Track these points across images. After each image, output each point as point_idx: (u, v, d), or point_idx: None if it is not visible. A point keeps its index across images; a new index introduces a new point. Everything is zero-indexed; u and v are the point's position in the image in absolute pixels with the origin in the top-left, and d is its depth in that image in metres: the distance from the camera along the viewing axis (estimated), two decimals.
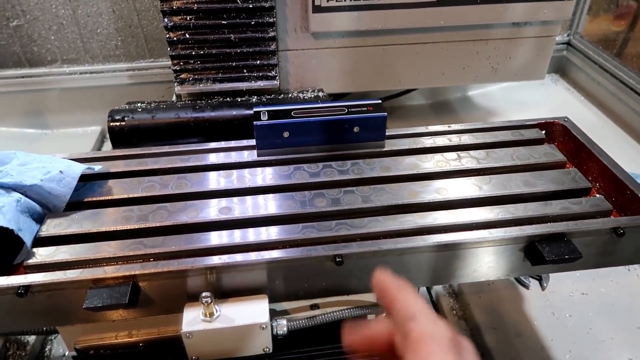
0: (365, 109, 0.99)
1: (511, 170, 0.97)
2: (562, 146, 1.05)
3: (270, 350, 0.80)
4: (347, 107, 0.99)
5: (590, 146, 0.99)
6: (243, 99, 1.32)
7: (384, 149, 1.02)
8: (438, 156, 0.99)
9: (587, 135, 1.03)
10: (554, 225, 0.82)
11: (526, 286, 1.26)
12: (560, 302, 1.22)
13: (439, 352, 0.42)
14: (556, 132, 1.09)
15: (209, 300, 0.73)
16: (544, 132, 1.08)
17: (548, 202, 0.88)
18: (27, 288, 0.72)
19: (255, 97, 1.33)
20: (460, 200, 0.89)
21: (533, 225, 0.83)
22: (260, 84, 1.35)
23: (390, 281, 0.50)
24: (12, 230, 0.76)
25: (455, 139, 1.05)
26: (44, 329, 1.09)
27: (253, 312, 0.77)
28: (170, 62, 1.34)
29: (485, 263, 0.84)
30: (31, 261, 0.77)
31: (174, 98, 1.41)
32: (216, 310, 0.76)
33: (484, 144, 1.04)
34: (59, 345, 1.21)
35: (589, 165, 0.99)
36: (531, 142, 1.05)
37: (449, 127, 1.08)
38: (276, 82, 1.36)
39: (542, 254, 0.79)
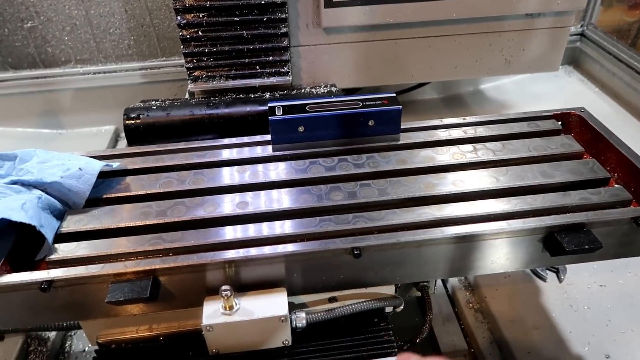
0: (379, 102, 0.99)
1: (528, 161, 0.96)
2: (578, 137, 1.04)
3: (290, 343, 0.81)
4: (362, 100, 0.99)
5: (608, 136, 0.98)
6: (256, 95, 1.32)
7: (399, 142, 1.02)
8: (454, 148, 0.99)
9: (604, 126, 1.02)
10: (573, 215, 0.82)
11: (543, 279, 1.25)
12: (578, 294, 1.22)
13: None
14: (573, 122, 1.08)
15: (229, 294, 0.73)
16: (560, 123, 1.07)
17: (566, 192, 0.87)
18: (50, 283, 0.73)
19: (268, 93, 1.33)
20: (477, 192, 0.89)
21: (552, 216, 0.82)
22: (273, 80, 1.36)
23: None
24: (34, 227, 0.77)
25: (470, 131, 1.04)
26: (64, 324, 1.11)
27: (272, 305, 0.77)
28: (182, 61, 1.35)
29: (504, 254, 0.83)
30: (53, 257, 0.78)
31: (186, 96, 1.42)
32: (236, 304, 0.76)
33: (500, 135, 1.03)
34: (78, 341, 1.23)
35: (606, 156, 0.98)
36: (547, 133, 1.04)
37: (463, 119, 1.08)
38: (289, 78, 1.36)
39: (561, 245, 0.78)
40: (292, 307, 0.84)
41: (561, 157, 0.97)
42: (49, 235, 0.80)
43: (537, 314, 1.18)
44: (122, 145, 1.92)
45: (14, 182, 0.83)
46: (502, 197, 0.87)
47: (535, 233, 0.81)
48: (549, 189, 0.89)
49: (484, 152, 0.98)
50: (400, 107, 0.98)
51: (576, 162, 0.95)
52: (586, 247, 0.78)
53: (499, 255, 0.83)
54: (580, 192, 0.87)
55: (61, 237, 0.82)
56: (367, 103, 0.98)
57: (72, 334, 1.24)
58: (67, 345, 1.22)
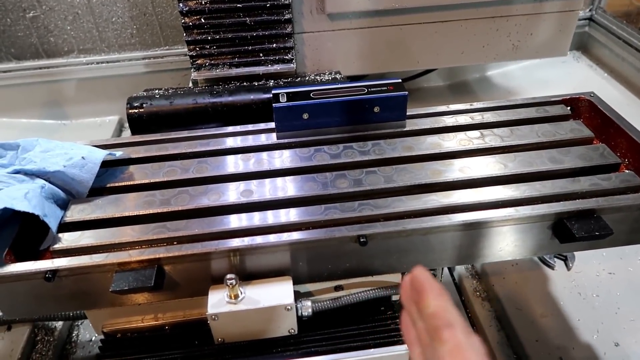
0: (385, 88, 0.97)
1: (537, 147, 0.94)
2: (588, 122, 1.02)
3: (296, 332, 0.80)
4: (367, 87, 0.97)
5: (619, 121, 0.96)
6: (260, 83, 1.31)
7: (405, 129, 1.00)
8: (460, 135, 0.98)
9: (614, 110, 1.00)
10: (583, 201, 0.80)
11: (551, 266, 1.24)
12: (587, 282, 1.20)
13: None
14: (582, 107, 1.06)
15: (234, 282, 0.73)
16: (569, 108, 1.05)
17: (576, 178, 0.85)
18: (54, 272, 0.73)
19: (272, 81, 1.31)
20: (484, 179, 0.87)
21: (561, 202, 0.81)
22: (277, 67, 1.34)
23: (429, 282, 0.50)
24: (37, 216, 0.77)
25: (477, 117, 1.02)
26: (71, 314, 1.11)
27: (278, 293, 0.76)
28: (185, 49, 1.34)
29: (512, 242, 0.82)
30: (57, 246, 0.78)
31: (190, 85, 1.41)
32: (241, 292, 0.76)
33: (508, 121, 1.01)
34: (85, 331, 1.23)
35: (617, 141, 0.96)
36: (556, 118, 1.02)
37: (470, 105, 1.06)
38: (293, 66, 1.34)
39: (571, 231, 0.77)
40: (298, 295, 0.84)
41: (570, 143, 0.95)
42: (53, 225, 0.79)
43: (545, 302, 1.16)
44: (126, 135, 1.91)
45: (17, 172, 0.82)
46: (510, 183, 0.86)
47: (545, 220, 0.79)
48: (558, 175, 0.88)
49: (491, 138, 0.96)
50: (406, 92, 0.97)
51: (586, 147, 0.93)
52: (596, 233, 0.76)
53: (507, 243, 0.82)
54: (590, 177, 0.85)
55: (65, 227, 0.82)
56: (372, 89, 0.97)
57: (79, 323, 1.24)
58: (74, 334, 1.22)
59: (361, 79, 1.65)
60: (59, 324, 1.20)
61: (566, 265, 1.25)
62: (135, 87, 1.81)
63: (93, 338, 1.22)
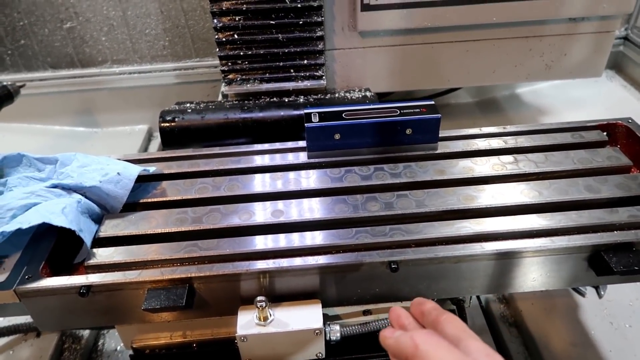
0: (418, 110, 0.97)
1: (572, 174, 0.92)
2: (625, 149, 1.00)
3: (323, 356, 0.79)
4: (400, 108, 0.97)
5: None
6: (290, 99, 1.31)
7: (437, 152, 0.99)
8: (494, 159, 0.96)
9: None
10: (622, 234, 0.78)
11: (582, 294, 1.21)
12: (619, 311, 1.17)
13: None
14: (619, 133, 1.03)
15: (264, 305, 0.73)
16: (605, 133, 1.03)
17: (614, 209, 0.83)
18: (88, 288, 0.74)
19: (302, 97, 1.32)
20: (519, 206, 0.86)
21: (599, 234, 0.79)
22: (307, 83, 1.35)
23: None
24: (73, 231, 0.78)
25: (511, 141, 1.01)
26: None
27: (307, 317, 0.76)
28: (215, 62, 1.36)
29: (546, 272, 0.80)
30: (91, 261, 0.79)
31: (219, 97, 1.42)
32: (270, 315, 0.76)
33: (542, 146, 1.00)
34: (111, 340, 1.25)
35: None
36: (592, 144, 1.00)
37: (504, 128, 1.05)
38: (323, 82, 1.35)
39: (608, 265, 0.75)
40: (326, 318, 0.83)
41: (607, 171, 0.93)
42: (88, 240, 0.80)
43: (575, 331, 1.14)
44: (155, 144, 1.95)
45: (55, 186, 0.84)
46: (545, 212, 0.84)
47: (581, 251, 0.78)
48: (594, 204, 0.86)
49: (525, 164, 0.95)
50: (439, 115, 0.96)
51: (624, 176, 0.91)
52: (636, 268, 0.74)
53: (541, 273, 0.80)
54: (629, 209, 0.83)
55: (99, 242, 0.83)
56: (405, 111, 0.96)
57: (105, 332, 1.26)
58: (100, 343, 1.24)
59: (386, 95, 1.65)
60: (86, 333, 1.22)
61: (597, 292, 1.21)
62: (165, 97, 1.85)
63: (118, 347, 1.23)
